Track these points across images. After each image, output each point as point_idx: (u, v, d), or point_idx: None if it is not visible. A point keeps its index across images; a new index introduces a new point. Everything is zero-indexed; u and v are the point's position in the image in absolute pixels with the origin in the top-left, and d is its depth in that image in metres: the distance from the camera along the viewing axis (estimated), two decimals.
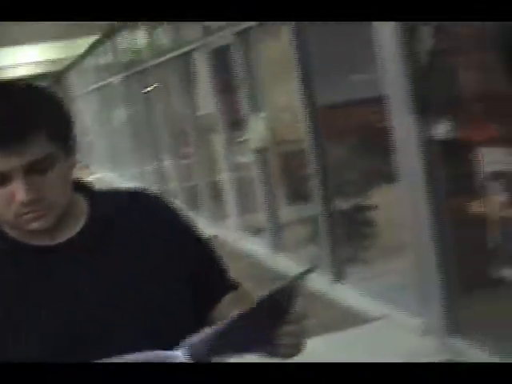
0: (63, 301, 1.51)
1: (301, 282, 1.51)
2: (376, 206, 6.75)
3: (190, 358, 1.40)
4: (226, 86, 8.83)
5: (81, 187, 1.64)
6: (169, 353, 1.42)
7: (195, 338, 1.41)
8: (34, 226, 1.50)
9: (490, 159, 4.50)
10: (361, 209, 6.97)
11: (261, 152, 7.94)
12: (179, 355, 1.41)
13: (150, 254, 1.59)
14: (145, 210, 1.66)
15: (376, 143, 5.98)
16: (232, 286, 1.76)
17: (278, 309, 1.50)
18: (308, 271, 1.52)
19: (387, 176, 5.67)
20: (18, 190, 1.45)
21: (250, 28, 7.54)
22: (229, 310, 1.56)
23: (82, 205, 1.62)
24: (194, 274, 1.63)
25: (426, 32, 4.71)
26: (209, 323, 1.53)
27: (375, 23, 4.97)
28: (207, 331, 1.42)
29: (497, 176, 4.49)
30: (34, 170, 1.46)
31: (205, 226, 10.23)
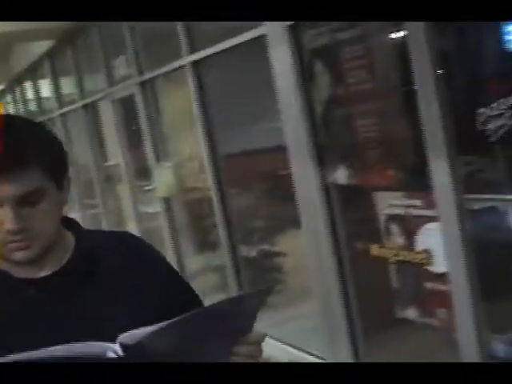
0: (43, 333, 1.52)
1: (257, 298, 1.56)
2: (283, 253, 6.82)
3: (126, 354, 1.39)
4: (132, 136, 8.83)
5: (70, 224, 1.69)
6: (104, 344, 1.39)
7: (132, 335, 1.40)
8: (19, 256, 1.53)
9: (388, 203, 4.63)
10: (268, 255, 7.03)
11: (167, 201, 7.95)
12: (115, 348, 1.39)
13: (131, 292, 1.64)
14: (129, 249, 1.72)
15: (279, 190, 6.08)
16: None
17: (227, 317, 1.51)
18: (266, 290, 1.57)
19: (292, 222, 5.75)
20: (7, 218, 1.48)
21: (154, 78, 7.60)
22: None
23: (70, 241, 1.66)
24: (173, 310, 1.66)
25: (324, 80, 4.86)
26: None
27: (277, 74, 5.10)
28: (147, 329, 1.41)
29: (395, 219, 4.62)
30: (24, 200, 1.50)
31: None
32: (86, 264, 1.62)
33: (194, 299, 1.83)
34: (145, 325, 1.46)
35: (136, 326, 1.49)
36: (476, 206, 4.65)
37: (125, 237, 1.81)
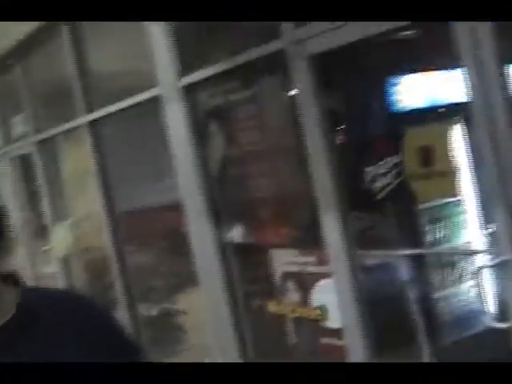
0: None
1: None
2: (183, 311, 6.77)
3: None
4: (29, 195, 8.67)
5: (13, 279, 1.68)
6: None
7: None
8: None
9: (284, 260, 4.69)
10: (168, 314, 6.96)
11: (66, 260, 7.81)
12: None
13: (71, 349, 1.62)
14: (70, 307, 1.70)
15: (178, 247, 6.06)
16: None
17: None
18: None
19: (191, 280, 5.74)
20: None
21: (52, 136, 7.52)
22: None
23: (12, 297, 1.64)
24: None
25: (218, 140, 4.92)
26: None
27: (172, 133, 5.14)
28: None
29: (290, 276, 4.67)
30: None
31: None
32: (28, 322, 1.61)
33: (132, 354, 1.81)
34: None
35: None
36: (370, 262, 4.77)
37: (67, 296, 1.83)
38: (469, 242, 5.21)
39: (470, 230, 5.15)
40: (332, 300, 4.31)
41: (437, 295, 5.08)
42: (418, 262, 4.94)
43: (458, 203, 5.13)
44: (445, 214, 5.07)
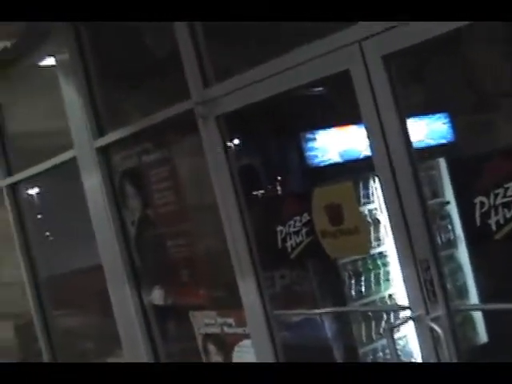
0: None
1: None
2: None
3: None
4: None
5: None
6: None
7: None
8: None
9: (204, 322, 4.62)
10: None
11: None
12: None
13: None
14: None
15: (103, 310, 5.95)
16: None
17: None
18: None
19: (118, 343, 5.62)
20: None
21: None
22: None
23: None
24: None
25: (134, 202, 4.87)
26: None
27: (89, 195, 5.07)
28: None
29: (211, 338, 4.60)
30: None
31: None
32: None
33: None
34: None
35: None
36: (292, 319, 4.73)
37: None
38: (393, 295, 5.21)
39: (393, 283, 5.16)
40: (252, 361, 4.24)
41: (363, 350, 5.05)
42: (342, 316, 4.92)
43: (381, 256, 5.15)
44: (367, 268, 5.08)
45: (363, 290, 4.98)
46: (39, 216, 6.39)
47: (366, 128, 3.24)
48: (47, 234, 6.42)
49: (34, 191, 6.39)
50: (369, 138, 3.25)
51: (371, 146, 3.25)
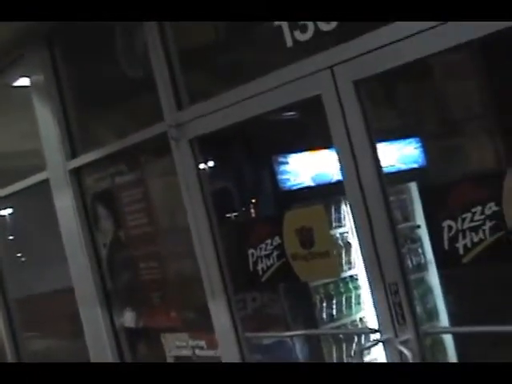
0: None
1: None
2: None
3: None
4: None
5: None
6: None
7: None
8: None
9: (175, 344, 4.61)
10: None
11: None
12: None
13: None
14: None
15: (74, 332, 5.91)
16: None
17: None
18: None
19: None
20: None
21: None
22: None
23: None
24: None
25: (106, 223, 4.87)
26: None
27: (60, 217, 5.06)
28: None
29: (181, 360, 4.59)
30: None
31: None
32: None
33: None
34: None
35: None
36: (264, 342, 4.73)
37: None
38: (363, 318, 5.24)
39: (364, 306, 5.18)
40: None
41: None
42: (312, 340, 4.93)
43: (352, 279, 5.17)
44: (338, 291, 5.10)
45: (334, 313, 5.00)
46: (10, 237, 6.36)
47: (337, 152, 3.28)
48: (19, 255, 6.38)
49: (6, 212, 6.36)
50: (340, 161, 3.28)
51: (342, 170, 3.28)
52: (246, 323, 4.14)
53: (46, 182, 5.20)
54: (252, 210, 4.13)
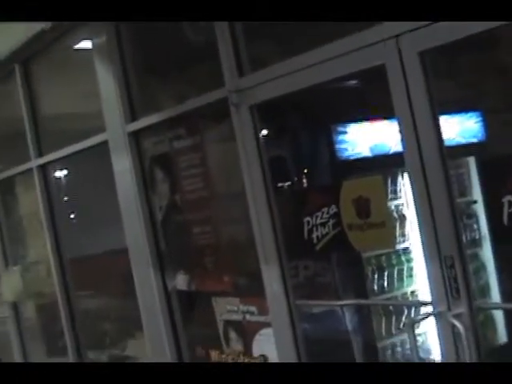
0: None
1: None
2: (133, 357, 6.70)
3: None
4: None
5: None
6: None
7: None
8: None
9: (226, 309, 4.66)
10: (118, 359, 6.88)
11: (15, 305, 7.71)
12: None
13: None
14: None
15: (126, 293, 6.01)
16: None
17: None
18: None
19: (139, 326, 5.69)
20: None
21: (6, 179, 7.48)
22: None
23: None
24: None
25: (163, 187, 4.92)
26: None
27: (118, 179, 5.13)
28: None
29: (232, 324, 4.64)
30: None
31: None
32: None
33: None
34: None
35: None
36: (313, 310, 4.77)
37: None
38: (415, 291, 5.23)
39: (416, 279, 5.17)
40: (272, 350, 4.28)
41: (381, 344, 5.07)
42: (363, 310, 4.94)
43: (405, 252, 5.16)
44: (390, 263, 5.09)
45: (385, 285, 5.00)
46: (66, 198, 6.47)
47: (399, 123, 3.26)
48: (73, 216, 6.50)
49: (62, 173, 6.47)
50: (401, 133, 3.27)
51: (403, 142, 3.27)
52: (296, 291, 4.17)
53: (103, 144, 5.27)
54: (308, 179, 4.14)
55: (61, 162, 6.19)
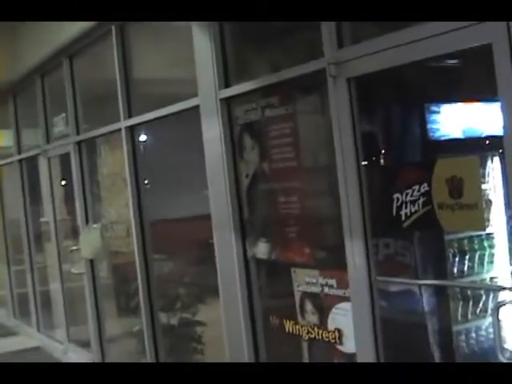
0: None
1: None
2: (203, 322, 6.80)
3: None
4: (64, 195, 8.79)
5: None
6: None
7: None
8: None
9: (305, 280, 4.69)
10: (188, 324, 7.00)
11: (92, 263, 7.89)
12: None
13: None
14: None
15: (202, 259, 6.10)
16: None
17: None
18: None
19: (212, 292, 5.76)
20: None
21: (91, 138, 7.64)
22: None
23: None
24: None
25: (251, 155, 4.96)
26: None
27: (207, 144, 5.20)
28: None
29: (309, 296, 4.67)
30: None
31: (32, 335, 9.92)
32: None
33: None
34: None
35: None
36: (391, 288, 4.75)
37: None
38: (494, 278, 5.16)
39: (497, 265, 5.10)
40: (348, 324, 4.30)
41: (456, 328, 5.03)
42: (440, 292, 4.91)
43: (488, 237, 5.09)
44: (472, 247, 5.03)
45: (465, 269, 4.95)
46: (149, 161, 6.58)
47: (502, 106, 3.22)
48: (154, 179, 6.60)
49: (148, 137, 6.58)
50: (503, 115, 3.22)
51: (504, 125, 3.22)
52: (376, 268, 4.17)
53: (193, 110, 5.33)
54: (400, 156, 4.11)
55: (148, 126, 6.29)
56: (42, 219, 10.03)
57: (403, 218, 3.81)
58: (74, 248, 8.29)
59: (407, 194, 3.75)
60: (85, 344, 8.43)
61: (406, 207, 3.78)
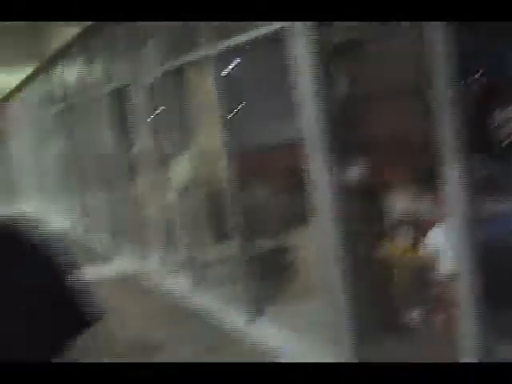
0: None
1: None
2: (295, 247, 6.84)
3: None
4: (156, 124, 8.87)
5: None
6: None
7: None
8: None
9: (398, 203, 4.65)
10: (281, 249, 7.05)
11: (184, 191, 7.98)
12: None
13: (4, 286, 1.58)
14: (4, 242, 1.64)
15: (293, 186, 6.09)
16: (86, 324, 1.69)
17: None
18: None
19: (303, 219, 5.76)
20: None
21: (179, 67, 7.64)
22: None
23: None
24: (46, 309, 1.60)
25: (342, 78, 4.88)
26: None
27: (296, 69, 5.13)
28: None
29: (404, 219, 4.64)
30: None
31: (129, 261, 10.20)
32: None
33: (67, 300, 1.67)
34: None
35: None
36: (488, 210, 4.65)
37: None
38: None
39: None
40: (445, 246, 4.25)
41: None
42: None
43: None
44: None
45: None
46: (242, 88, 6.56)
47: None
48: (244, 107, 6.59)
49: (239, 62, 6.54)
50: None
51: None
52: (475, 188, 4.07)
53: (283, 32, 5.24)
54: (500, 71, 3.95)
55: (236, 53, 6.23)
56: (133, 150, 10.17)
57: (502, 136, 3.70)
58: (167, 177, 8.40)
59: (509, 111, 3.63)
60: (180, 269, 8.61)
61: (505, 126, 3.66)
